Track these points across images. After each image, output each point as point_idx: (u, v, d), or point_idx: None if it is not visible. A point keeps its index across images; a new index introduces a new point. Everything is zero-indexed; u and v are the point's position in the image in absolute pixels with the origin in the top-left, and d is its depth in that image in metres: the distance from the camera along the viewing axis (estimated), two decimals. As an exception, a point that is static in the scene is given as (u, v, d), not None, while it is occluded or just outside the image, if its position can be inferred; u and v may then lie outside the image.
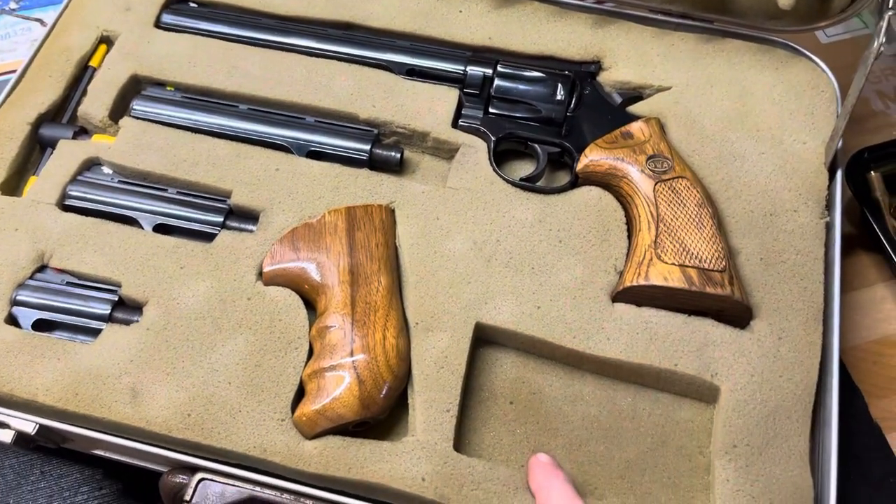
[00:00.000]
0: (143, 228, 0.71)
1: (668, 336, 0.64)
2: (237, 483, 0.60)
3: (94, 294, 0.67)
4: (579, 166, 0.71)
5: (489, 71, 0.76)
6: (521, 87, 0.75)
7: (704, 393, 0.64)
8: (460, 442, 0.63)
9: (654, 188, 0.68)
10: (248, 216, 0.71)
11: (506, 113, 0.75)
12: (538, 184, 0.73)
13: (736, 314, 0.65)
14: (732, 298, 0.63)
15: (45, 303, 0.67)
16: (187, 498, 0.59)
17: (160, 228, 0.71)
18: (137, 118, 0.76)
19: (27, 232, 0.69)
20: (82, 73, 0.80)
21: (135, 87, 0.79)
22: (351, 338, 0.62)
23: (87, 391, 0.62)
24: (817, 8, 0.75)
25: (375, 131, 0.75)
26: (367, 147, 0.73)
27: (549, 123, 0.74)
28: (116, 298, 0.67)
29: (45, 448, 0.68)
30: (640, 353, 0.63)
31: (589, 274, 0.66)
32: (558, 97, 0.74)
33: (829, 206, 0.70)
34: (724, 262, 0.64)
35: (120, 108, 0.78)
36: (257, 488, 0.60)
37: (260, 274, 0.67)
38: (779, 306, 0.65)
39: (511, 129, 0.74)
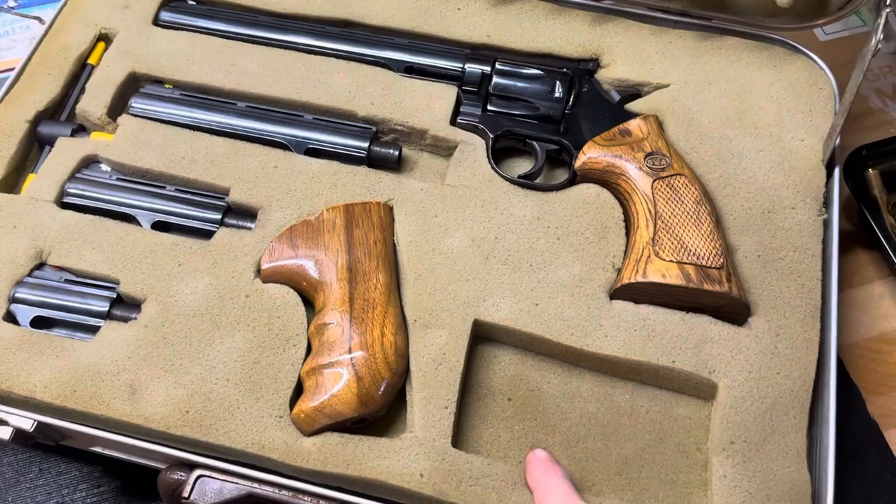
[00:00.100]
0: (141, 226, 0.71)
1: (666, 333, 0.64)
2: (235, 480, 0.60)
3: (93, 291, 0.67)
4: (577, 164, 0.71)
5: (487, 68, 0.76)
6: (520, 84, 0.75)
7: (702, 390, 0.64)
8: (458, 438, 0.63)
9: (653, 185, 0.68)
10: (247, 213, 0.71)
11: (504, 110, 0.75)
12: (536, 181, 0.73)
13: (734, 311, 0.65)
14: (730, 295, 0.63)
15: (43, 300, 0.67)
16: (185, 495, 0.59)
17: (158, 226, 0.71)
18: (136, 116, 0.76)
19: (26, 229, 0.69)
20: (81, 71, 0.80)
21: (133, 85, 0.79)
22: (349, 335, 0.62)
23: (85, 388, 0.62)
24: (815, 5, 0.75)
25: (374, 129, 0.75)
26: (366, 144, 0.73)
27: (547, 121, 0.74)
28: (115, 296, 0.67)
29: (44, 445, 0.68)
30: (638, 350, 0.63)
31: (587, 271, 0.67)
32: (556, 95, 0.74)
33: (826, 203, 0.70)
34: (721, 259, 0.64)
35: (118, 106, 0.78)
36: (255, 485, 0.60)
37: (258, 271, 0.68)
38: (776, 303, 0.65)
39: (509, 126, 0.74)
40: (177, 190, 0.72)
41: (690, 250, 0.64)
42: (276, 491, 0.59)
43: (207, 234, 0.70)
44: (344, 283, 0.65)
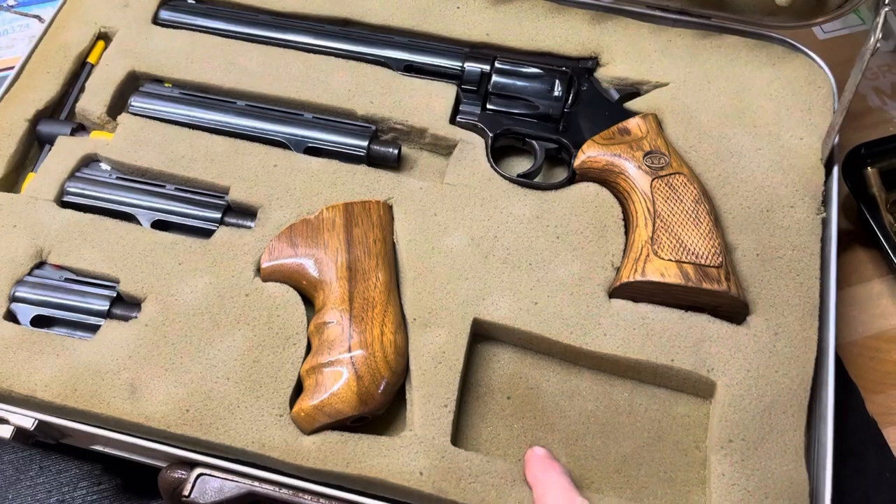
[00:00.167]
0: (141, 225, 0.71)
1: (665, 331, 0.64)
2: (235, 478, 0.60)
3: (93, 290, 0.67)
4: (577, 162, 0.71)
5: (487, 67, 0.76)
6: (519, 83, 0.75)
7: (701, 388, 0.64)
8: (458, 437, 0.63)
9: (652, 184, 0.68)
10: (246, 212, 0.71)
11: (503, 109, 0.75)
12: (536, 180, 0.73)
13: (732, 310, 0.65)
14: (729, 294, 0.63)
15: (43, 299, 0.67)
16: (186, 493, 0.60)
17: (158, 225, 0.71)
18: (135, 115, 0.76)
19: (25, 228, 0.69)
20: (80, 70, 0.80)
21: (133, 84, 0.80)
22: (349, 333, 0.62)
23: (85, 387, 0.62)
24: (814, 4, 0.75)
25: (373, 127, 0.75)
26: (365, 143, 0.73)
27: (546, 120, 0.74)
28: (115, 294, 0.67)
29: (44, 444, 0.68)
30: (637, 349, 0.63)
31: (586, 270, 0.67)
32: (556, 93, 0.74)
33: (825, 201, 0.70)
34: (720, 258, 0.64)
35: (118, 105, 0.78)
36: (256, 483, 0.60)
37: (258, 270, 0.68)
38: (775, 302, 0.65)
39: (509, 125, 0.74)
40: (176, 189, 0.73)
41: (689, 249, 0.64)
42: (277, 489, 0.59)
43: (207, 233, 0.70)
44: (343, 281, 0.65)
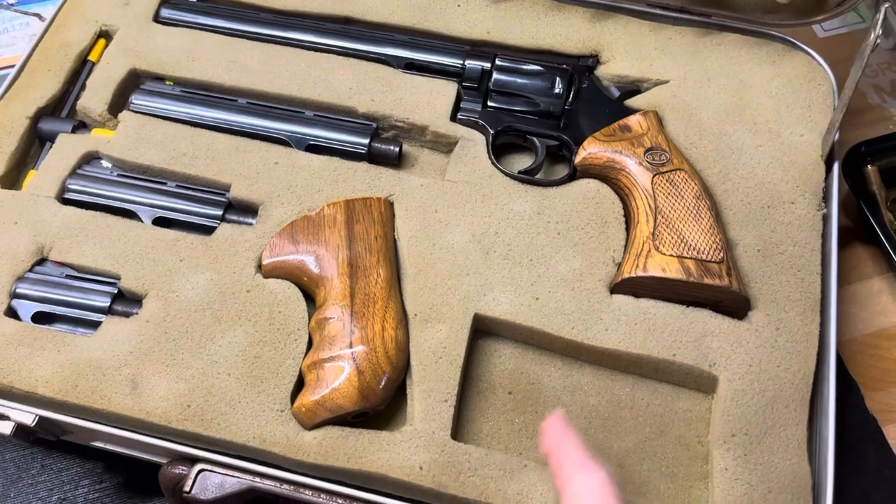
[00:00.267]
0: (142, 222, 0.71)
1: (667, 327, 0.64)
2: (237, 474, 0.60)
3: (94, 287, 0.67)
4: (578, 159, 0.72)
5: (487, 65, 0.76)
6: (520, 80, 0.75)
7: (703, 383, 0.64)
8: (459, 432, 0.63)
9: (652, 180, 0.68)
10: (248, 209, 0.71)
11: (504, 106, 0.75)
12: (537, 177, 0.73)
13: (734, 305, 0.65)
14: (730, 289, 0.63)
15: (44, 295, 0.67)
16: (187, 489, 0.60)
17: (159, 221, 0.71)
18: (136, 112, 0.76)
19: (27, 225, 0.69)
20: (81, 68, 0.80)
21: (134, 82, 0.80)
22: (350, 329, 0.62)
23: (86, 383, 0.62)
24: (814, 2, 0.75)
25: (374, 125, 0.75)
26: (366, 141, 0.73)
27: (547, 117, 0.74)
28: (116, 291, 0.67)
29: (46, 441, 0.68)
30: (639, 344, 0.63)
31: (587, 265, 0.67)
32: (556, 91, 0.75)
33: (826, 198, 0.71)
34: (721, 254, 0.64)
35: (119, 103, 0.78)
36: (257, 479, 0.60)
37: (259, 266, 0.68)
38: (776, 297, 0.65)
39: (510, 122, 0.74)
40: (178, 186, 0.73)
41: (690, 245, 0.65)
42: (278, 485, 0.59)
43: (208, 230, 0.70)
44: (345, 277, 0.65)
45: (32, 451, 0.73)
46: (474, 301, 0.65)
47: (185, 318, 0.65)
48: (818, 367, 0.63)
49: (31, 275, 0.68)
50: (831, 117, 0.72)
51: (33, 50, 0.80)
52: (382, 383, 0.61)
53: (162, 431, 0.62)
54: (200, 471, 0.60)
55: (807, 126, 0.73)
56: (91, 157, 0.75)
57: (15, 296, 0.67)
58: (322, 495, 0.59)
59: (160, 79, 0.79)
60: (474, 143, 0.73)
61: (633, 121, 0.72)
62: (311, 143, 0.74)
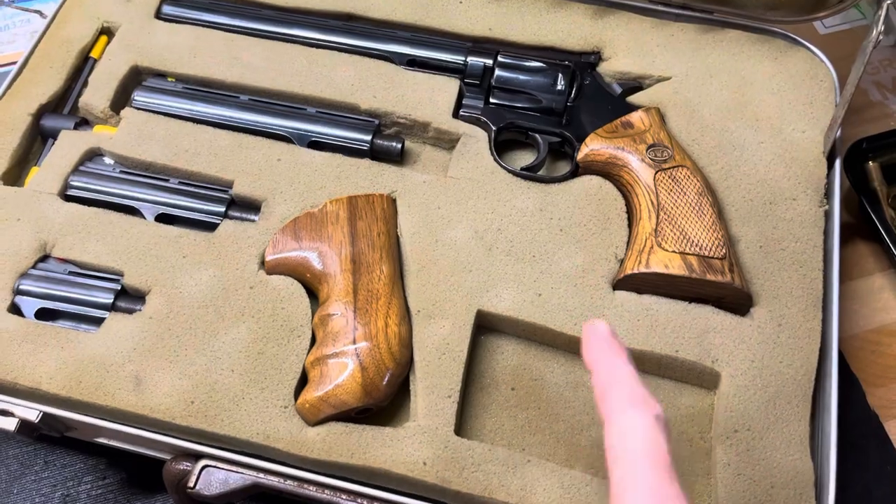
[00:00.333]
0: (145, 218, 0.71)
1: (669, 323, 0.64)
2: (240, 470, 0.60)
3: (97, 283, 0.67)
4: (580, 156, 0.72)
5: (490, 61, 0.76)
6: (522, 77, 0.75)
7: (705, 379, 0.64)
8: (462, 428, 0.63)
9: (655, 177, 0.68)
10: (250, 206, 0.71)
11: (506, 103, 0.75)
12: (539, 173, 0.73)
13: (736, 301, 0.65)
14: (732, 285, 0.63)
15: (47, 292, 0.67)
16: (191, 485, 0.60)
17: (162, 218, 0.71)
18: (139, 109, 0.76)
19: (29, 222, 0.69)
20: (83, 65, 0.80)
21: (136, 78, 0.80)
22: (353, 325, 0.62)
23: (90, 379, 0.62)
24: (815, -2, 0.75)
25: (376, 122, 0.75)
26: (369, 137, 0.74)
27: (549, 113, 0.74)
28: (119, 287, 0.67)
29: (49, 438, 0.68)
30: (641, 340, 0.63)
31: (590, 262, 0.67)
32: (559, 87, 0.75)
33: (827, 194, 0.71)
34: (724, 250, 0.64)
35: (121, 99, 0.78)
36: (260, 475, 0.60)
37: (262, 263, 0.68)
38: (778, 293, 0.66)
39: (512, 119, 0.74)
40: (180, 183, 0.73)
41: (693, 241, 0.65)
42: (281, 480, 0.60)
43: (211, 227, 0.70)
44: (348, 274, 0.65)
45: (35, 447, 0.73)
46: (477, 297, 0.65)
47: (188, 314, 0.65)
48: (820, 364, 0.63)
49: (34, 271, 0.68)
50: (833, 114, 0.72)
51: (35, 46, 0.80)
52: (386, 379, 0.61)
53: (166, 427, 0.62)
54: (204, 467, 0.60)
55: (808, 122, 0.73)
56: (93, 154, 0.75)
57: (18, 292, 0.67)
58: (326, 491, 0.59)
59: (162, 75, 0.79)
60: (476, 140, 0.73)
61: (636, 117, 0.72)
62: (314, 139, 0.74)
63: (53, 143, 0.75)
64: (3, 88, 0.77)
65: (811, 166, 0.71)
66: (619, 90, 0.76)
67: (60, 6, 0.82)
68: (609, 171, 0.71)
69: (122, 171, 0.73)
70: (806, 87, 0.75)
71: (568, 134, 0.73)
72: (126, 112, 0.76)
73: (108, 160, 0.75)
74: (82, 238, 0.69)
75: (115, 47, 0.80)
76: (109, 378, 0.62)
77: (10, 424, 0.62)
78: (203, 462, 0.60)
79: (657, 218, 0.66)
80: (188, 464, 0.61)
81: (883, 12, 0.64)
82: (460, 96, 0.76)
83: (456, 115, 0.75)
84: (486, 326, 0.67)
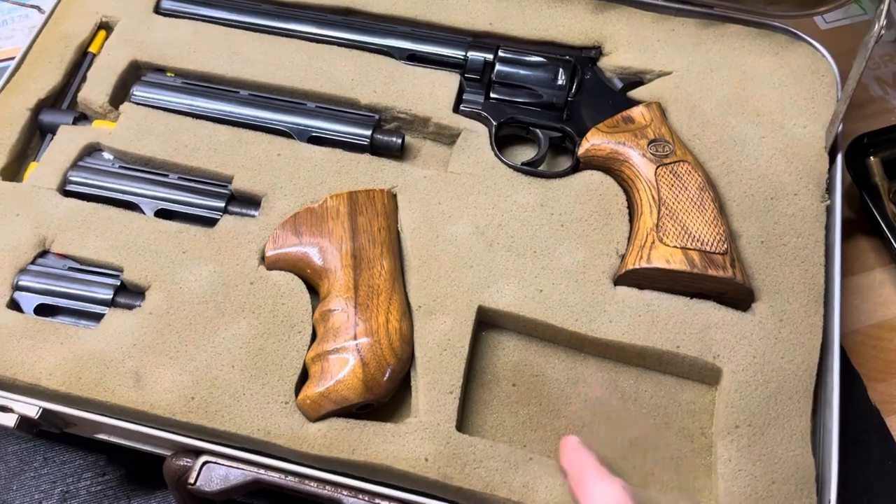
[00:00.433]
0: (144, 214, 0.71)
1: (670, 318, 0.64)
2: (241, 466, 0.60)
3: (97, 279, 0.67)
4: (581, 151, 0.71)
5: (490, 56, 0.76)
6: (523, 72, 0.75)
7: (706, 374, 0.64)
8: (463, 424, 0.63)
9: (656, 172, 0.68)
10: (250, 201, 0.71)
11: (507, 98, 0.75)
12: (540, 168, 0.73)
13: (737, 297, 0.65)
14: (734, 281, 0.63)
15: (47, 288, 0.66)
16: (191, 481, 0.60)
17: (162, 213, 0.71)
18: (138, 104, 0.76)
19: (28, 217, 0.69)
20: (82, 59, 0.80)
21: (135, 73, 0.79)
22: (354, 321, 0.62)
23: (90, 375, 0.62)
24: (817, -7, 0.75)
25: (377, 117, 0.75)
26: (369, 132, 0.73)
27: (550, 108, 0.74)
28: (119, 283, 0.67)
29: (49, 434, 0.68)
30: (643, 336, 0.63)
31: (591, 257, 0.67)
32: (559, 82, 0.74)
33: (829, 189, 0.70)
34: (725, 245, 0.64)
35: (120, 94, 0.78)
36: (261, 471, 0.60)
37: (262, 258, 0.68)
38: (780, 289, 0.65)
39: (512, 114, 0.74)
40: (180, 178, 0.72)
41: (694, 236, 0.65)
42: (282, 476, 0.59)
43: (211, 222, 0.70)
44: (348, 269, 0.65)
45: (35, 443, 0.73)
46: (478, 293, 0.65)
47: (188, 310, 0.65)
48: (821, 359, 0.63)
49: (33, 267, 0.67)
50: (834, 109, 0.71)
51: (34, 41, 0.79)
52: (387, 375, 0.61)
53: (166, 423, 0.62)
54: (205, 463, 0.60)
55: (810, 117, 0.73)
56: (92, 149, 0.74)
57: (17, 288, 0.67)
58: (327, 487, 0.59)
59: (161, 70, 0.79)
60: (477, 135, 0.73)
61: (637, 112, 0.72)
62: (314, 134, 0.74)
63: (52, 139, 0.75)
64: (2, 84, 0.77)
65: (812, 161, 0.71)
66: (619, 85, 0.76)
67: (59, 1, 0.82)
68: (610, 167, 0.71)
69: (121, 167, 0.73)
70: (807, 83, 0.75)
71: (569, 129, 0.73)
72: (125, 107, 0.75)
73: (107, 155, 0.74)
74: (81, 233, 0.69)
75: (113, 42, 0.79)
76: (109, 374, 0.62)
77: (9, 420, 0.62)
78: (204, 458, 0.60)
79: (658, 213, 0.66)
80: (189, 460, 0.60)
81: (885, 7, 0.64)
82: (461, 91, 0.76)
83: (456, 110, 0.75)
84: (487, 322, 0.67)
